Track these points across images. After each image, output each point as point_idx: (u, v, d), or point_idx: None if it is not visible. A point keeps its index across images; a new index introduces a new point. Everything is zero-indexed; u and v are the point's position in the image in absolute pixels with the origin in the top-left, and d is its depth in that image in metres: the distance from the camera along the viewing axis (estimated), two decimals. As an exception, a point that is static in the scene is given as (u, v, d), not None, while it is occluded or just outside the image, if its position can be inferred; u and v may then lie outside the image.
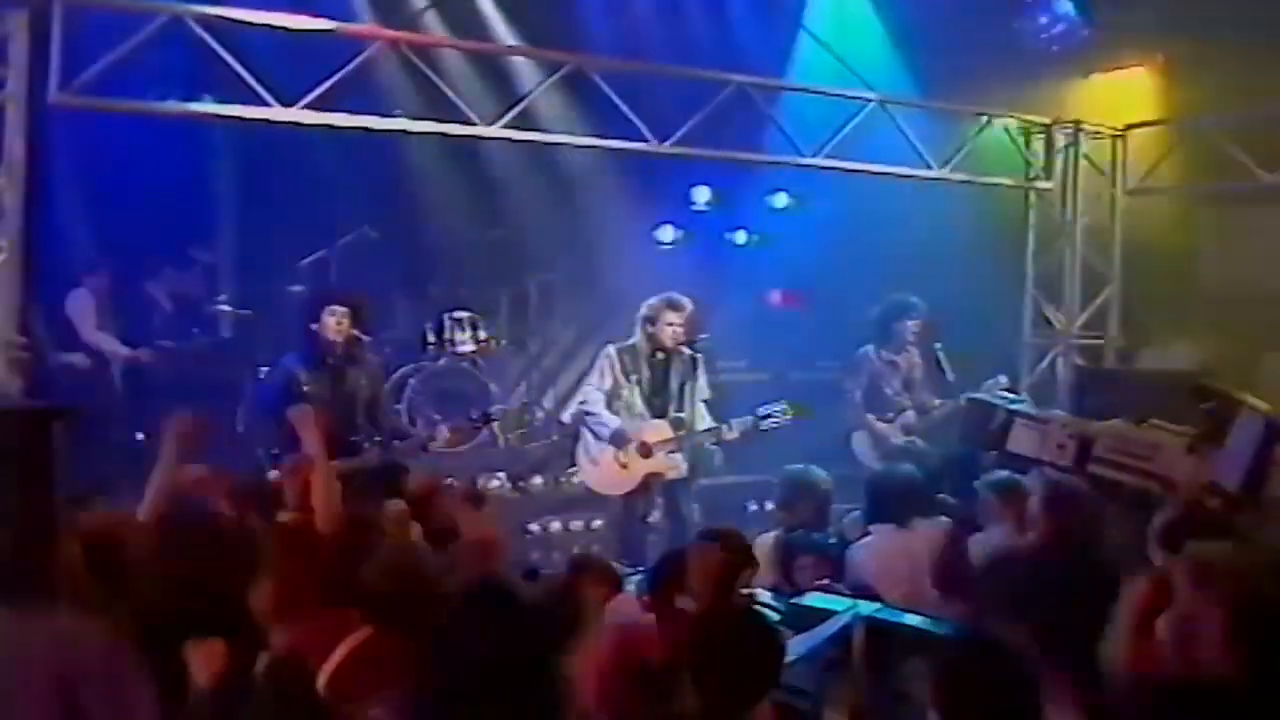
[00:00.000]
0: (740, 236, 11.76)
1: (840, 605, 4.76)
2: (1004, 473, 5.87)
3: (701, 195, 11.31)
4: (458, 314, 9.39)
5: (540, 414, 10.14)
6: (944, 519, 5.77)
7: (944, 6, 9.51)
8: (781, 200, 11.39)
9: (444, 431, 7.34)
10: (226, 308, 9.23)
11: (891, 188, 8.88)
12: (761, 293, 11.36)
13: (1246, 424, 5.03)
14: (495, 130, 7.00)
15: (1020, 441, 6.00)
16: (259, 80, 6.51)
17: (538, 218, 10.21)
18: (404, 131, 7.31)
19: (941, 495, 6.02)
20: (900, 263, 9.42)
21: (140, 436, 8.36)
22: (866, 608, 4.69)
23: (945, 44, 9.72)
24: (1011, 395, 6.92)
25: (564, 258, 10.42)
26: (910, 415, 8.15)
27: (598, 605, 4.36)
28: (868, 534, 5.75)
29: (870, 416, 8.15)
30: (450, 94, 6.83)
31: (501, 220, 10.06)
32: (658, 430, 7.38)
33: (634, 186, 10.18)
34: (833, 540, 5.78)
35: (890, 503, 5.72)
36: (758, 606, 4.79)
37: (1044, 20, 9.22)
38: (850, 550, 5.67)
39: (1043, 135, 8.90)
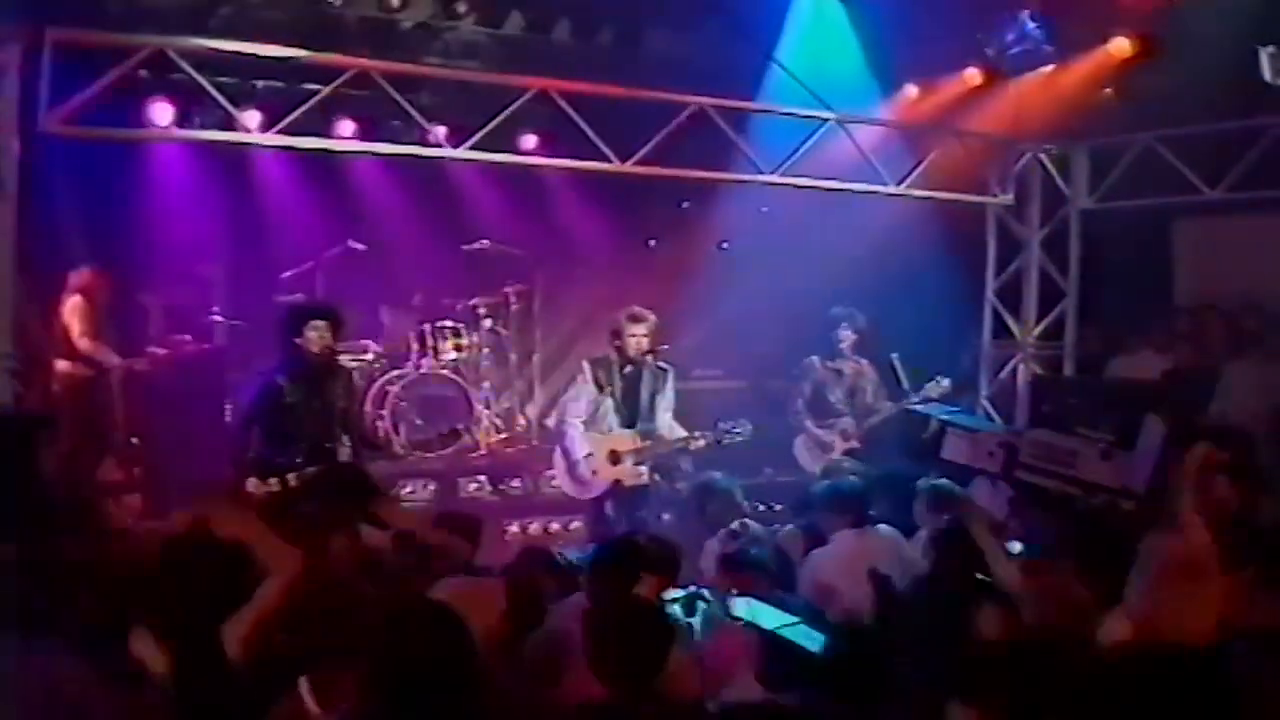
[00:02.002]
0: (724, 245, 12.02)
1: (763, 613, 5.07)
2: (935, 481, 6.22)
3: (689, 205, 11.59)
4: (441, 323, 9.79)
5: (523, 420, 10.47)
6: (887, 527, 6.11)
7: (916, 26, 9.78)
8: (768, 209, 11.64)
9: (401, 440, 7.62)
10: (220, 318, 9.60)
11: (870, 200, 9.14)
12: (741, 301, 11.61)
13: (1149, 428, 5.30)
14: (460, 152, 7.33)
15: (952, 450, 6.32)
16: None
17: (521, 229, 10.49)
18: (373, 153, 7.62)
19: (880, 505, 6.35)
20: (874, 272, 9.71)
21: (135, 440, 8.77)
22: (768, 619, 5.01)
23: (915, 62, 10.02)
24: (948, 405, 7.22)
25: (549, 268, 10.67)
26: (848, 422, 8.54)
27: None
28: (819, 544, 6.07)
29: (809, 423, 8.59)
30: (417, 116, 7.12)
31: (485, 231, 10.36)
32: (626, 440, 7.73)
33: (617, 196, 10.43)
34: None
35: (844, 512, 6.06)
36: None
37: (1010, 38, 9.48)
38: (811, 555, 6.01)
39: (1004, 151, 9.14)
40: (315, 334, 7.07)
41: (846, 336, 8.60)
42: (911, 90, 10.10)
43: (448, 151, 7.48)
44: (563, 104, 7.58)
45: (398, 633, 3.35)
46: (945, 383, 7.96)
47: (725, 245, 11.48)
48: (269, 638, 3.78)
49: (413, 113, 7.22)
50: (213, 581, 3.93)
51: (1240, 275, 9.90)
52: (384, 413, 9.37)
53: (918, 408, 7.03)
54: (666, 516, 8.55)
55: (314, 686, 3.48)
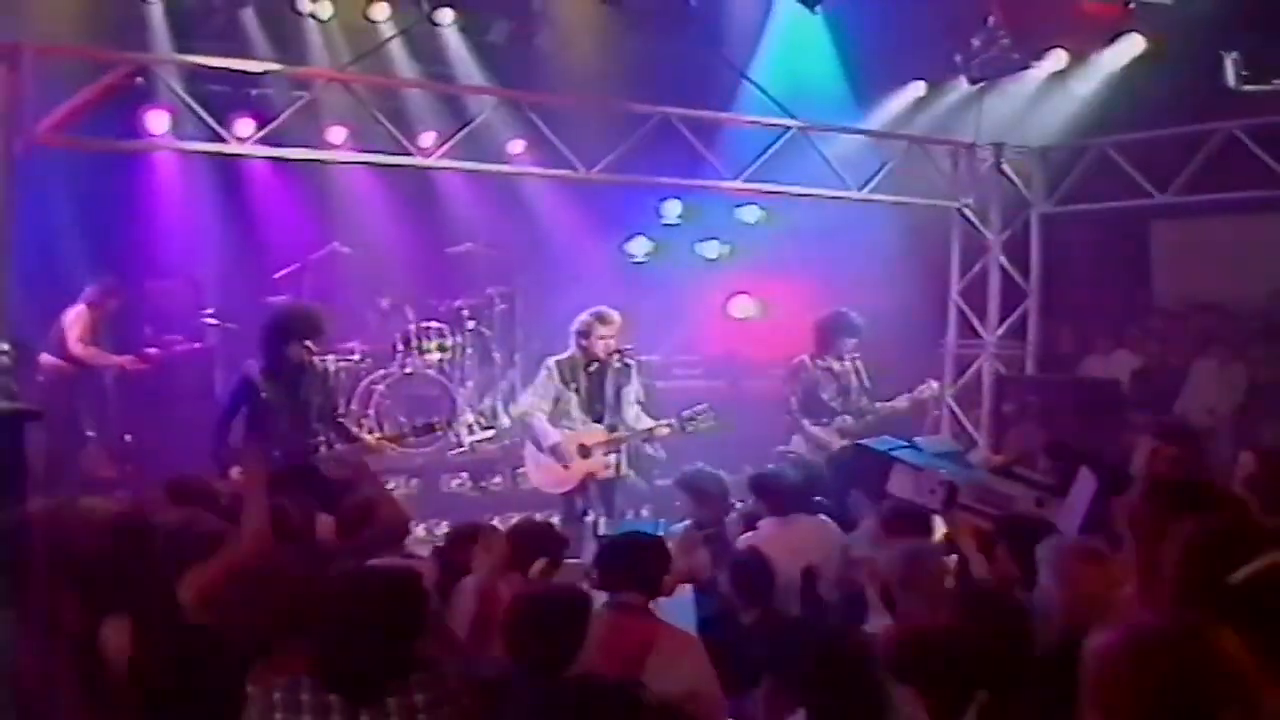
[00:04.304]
0: (710, 249, 12.26)
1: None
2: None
3: (672, 210, 11.83)
4: (425, 324, 10.07)
5: (506, 419, 10.72)
6: (820, 517, 6.37)
7: (890, 35, 10.06)
8: (751, 214, 11.90)
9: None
10: (213, 321, 9.92)
11: (853, 205, 9.32)
12: (724, 303, 11.87)
13: (1082, 480, 5.53)
14: (432, 160, 7.59)
15: (898, 485, 6.50)
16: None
17: (506, 231, 10.78)
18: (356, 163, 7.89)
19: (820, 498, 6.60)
20: (854, 274, 9.96)
21: (127, 438, 9.10)
22: None
23: (890, 70, 10.30)
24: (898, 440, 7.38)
25: (532, 270, 10.93)
26: (848, 419, 8.45)
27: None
28: (752, 528, 6.35)
29: (805, 421, 8.46)
30: (389, 126, 7.39)
31: (469, 234, 10.64)
32: (595, 433, 7.95)
33: (603, 201, 10.71)
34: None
35: (772, 500, 6.30)
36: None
37: (977, 45, 9.72)
38: (737, 541, 6.27)
39: (966, 156, 9.38)
40: (306, 347, 7.30)
41: (854, 343, 8.50)
42: (888, 96, 10.43)
43: (419, 160, 7.74)
44: (532, 115, 7.82)
45: (355, 600, 3.43)
46: (934, 385, 8.16)
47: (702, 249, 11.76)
48: (228, 600, 3.72)
49: (385, 124, 7.49)
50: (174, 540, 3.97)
51: (1214, 276, 10.14)
52: (369, 411, 9.65)
53: (868, 443, 7.19)
54: (645, 512, 8.80)
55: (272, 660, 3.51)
